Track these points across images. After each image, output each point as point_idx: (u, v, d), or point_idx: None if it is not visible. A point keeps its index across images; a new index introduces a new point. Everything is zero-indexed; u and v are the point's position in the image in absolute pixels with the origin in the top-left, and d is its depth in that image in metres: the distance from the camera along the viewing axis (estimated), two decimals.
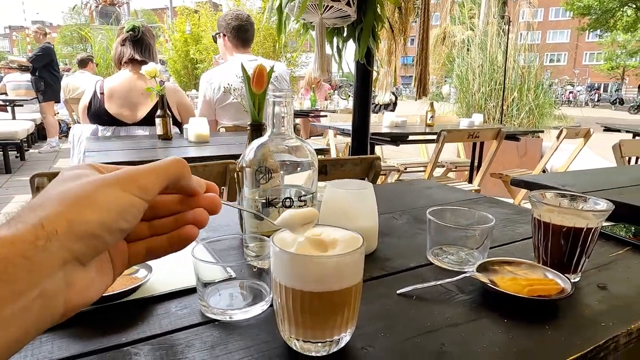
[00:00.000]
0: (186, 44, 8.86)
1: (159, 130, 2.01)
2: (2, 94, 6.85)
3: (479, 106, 5.44)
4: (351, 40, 1.95)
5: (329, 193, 0.72)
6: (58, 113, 7.06)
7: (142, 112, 2.20)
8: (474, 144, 3.66)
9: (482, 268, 0.61)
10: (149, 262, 0.61)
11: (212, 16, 8.45)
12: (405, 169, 3.78)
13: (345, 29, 1.95)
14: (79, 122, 2.88)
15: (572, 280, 0.59)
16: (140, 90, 2.17)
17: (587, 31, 28.01)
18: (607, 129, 4.40)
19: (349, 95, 6.49)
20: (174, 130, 2.17)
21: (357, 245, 0.43)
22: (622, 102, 24.36)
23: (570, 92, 22.92)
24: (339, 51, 2.00)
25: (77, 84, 6.14)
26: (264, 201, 0.66)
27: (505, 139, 3.04)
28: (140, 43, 2.24)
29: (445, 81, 8.42)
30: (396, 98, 6.23)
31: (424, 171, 3.38)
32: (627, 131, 4.19)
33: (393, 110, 5.93)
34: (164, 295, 0.56)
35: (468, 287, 0.60)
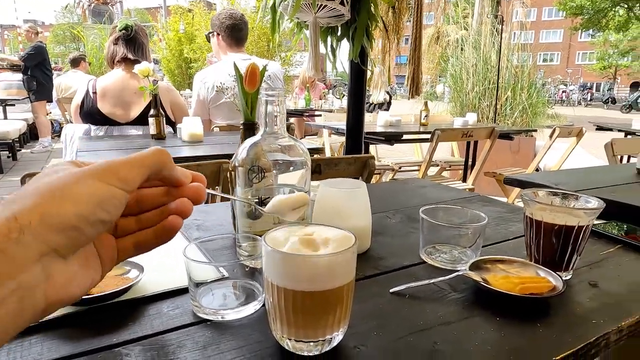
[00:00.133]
0: (180, 43, 8.83)
1: (152, 129, 2.00)
2: None
3: (472, 105, 5.47)
4: (345, 39, 1.95)
5: (322, 192, 0.72)
6: (50, 113, 7.00)
7: (135, 112, 2.19)
8: (468, 143, 3.68)
9: (474, 266, 0.61)
10: (141, 263, 0.61)
11: (206, 15, 8.42)
12: (400, 168, 3.78)
13: (339, 28, 1.95)
14: (71, 122, 2.86)
15: (564, 278, 0.60)
16: (133, 90, 2.15)
17: (580, 31, 28.23)
18: (600, 128, 4.44)
19: (343, 95, 6.50)
20: (168, 129, 2.16)
21: (349, 244, 0.43)
22: (614, 101, 24.58)
23: (563, 92, 23.08)
24: (333, 50, 2.00)
25: (70, 83, 6.09)
26: (256, 200, 0.66)
27: (499, 138, 3.06)
28: (133, 42, 2.23)
29: (439, 80, 8.45)
30: (390, 97, 6.23)
31: (418, 170, 3.39)
32: (619, 130, 4.23)
33: (387, 109, 5.93)
34: (155, 296, 0.56)
35: (461, 285, 0.60)
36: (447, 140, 3.31)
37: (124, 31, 2.21)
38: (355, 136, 2.14)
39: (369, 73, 2.05)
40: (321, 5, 1.75)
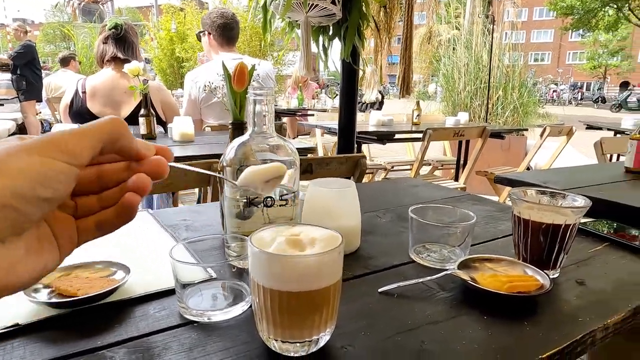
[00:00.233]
0: (172, 43, 8.77)
1: (142, 129, 1.98)
2: None
3: (464, 105, 5.50)
4: (337, 38, 1.95)
5: (312, 192, 0.72)
6: (40, 112, 6.92)
7: (125, 111, 2.17)
8: (460, 143, 3.69)
9: (463, 265, 0.61)
10: (128, 264, 0.60)
11: (197, 14, 8.38)
12: (392, 167, 3.79)
13: (331, 27, 1.95)
14: (61, 122, 2.83)
15: (551, 277, 0.60)
16: (123, 89, 2.13)
17: (570, 31, 28.53)
18: (590, 127, 4.49)
19: (336, 94, 6.49)
20: (158, 129, 2.14)
21: (335, 244, 0.43)
22: (604, 100, 24.84)
23: (554, 91, 23.29)
24: (325, 49, 2.00)
25: (60, 82, 6.02)
26: (245, 200, 0.65)
27: (490, 137, 3.07)
28: (123, 41, 2.21)
29: (432, 79, 8.48)
30: (383, 97, 6.24)
31: (410, 169, 3.40)
32: (608, 129, 4.27)
33: (380, 108, 5.94)
34: (142, 297, 0.55)
35: (449, 284, 0.60)
36: (439, 140, 3.32)
37: (113, 30, 2.19)
38: (348, 136, 2.14)
39: (360, 72, 2.05)
40: (312, 4, 1.75)
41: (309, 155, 1.79)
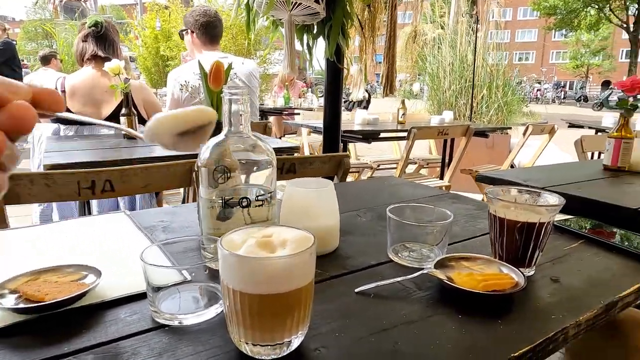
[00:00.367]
0: (156, 41, 8.65)
1: None
2: None
3: (449, 103, 5.55)
4: (321, 37, 1.94)
5: (289, 192, 0.71)
6: None
7: (106, 111, 2.13)
8: (445, 141, 3.72)
9: (440, 264, 0.61)
10: (99, 267, 0.59)
11: (182, 12, 8.27)
12: (378, 166, 3.80)
13: (315, 26, 1.94)
14: (39, 122, 2.76)
15: (526, 274, 0.61)
16: (104, 88, 2.10)
17: (553, 30, 28.98)
18: (572, 125, 4.56)
19: (321, 95, 6.50)
20: (141, 128, 2.11)
21: (307, 245, 0.42)
22: (586, 99, 25.30)
23: (537, 90, 23.64)
24: (309, 48, 1.99)
25: (41, 81, 5.89)
26: (220, 201, 0.65)
27: (475, 135, 3.10)
28: (103, 39, 2.17)
29: (418, 79, 8.53)
30: (370, 95, 6.26)
31: (396, 168, 3.41)
32: (589, 127, 4.35)
33: (367, 107, 5.95)
34: (113, 301, 0.54)
35: (426, 283, 0.61)
36: (424, 138, 3.34)
37: (93, 28, 2.15)
38: (332, 134, 2.14)
39: (344, 71, 2.05)
40: (295, 3, 1.74)
41: (296, 155, 1.78)
